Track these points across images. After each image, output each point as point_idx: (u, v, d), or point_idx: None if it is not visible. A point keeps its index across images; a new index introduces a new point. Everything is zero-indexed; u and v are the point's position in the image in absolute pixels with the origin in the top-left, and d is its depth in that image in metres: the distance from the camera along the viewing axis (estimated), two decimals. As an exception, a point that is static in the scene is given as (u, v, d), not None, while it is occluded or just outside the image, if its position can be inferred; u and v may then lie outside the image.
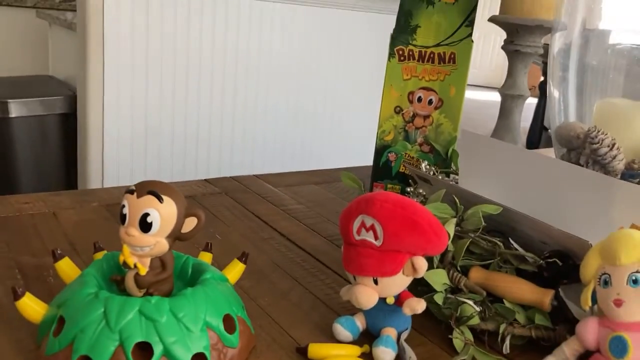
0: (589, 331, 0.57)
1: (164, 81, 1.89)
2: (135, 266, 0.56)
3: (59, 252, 0.63)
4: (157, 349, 0.52)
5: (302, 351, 0.61)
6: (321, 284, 0.77)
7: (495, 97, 2.18)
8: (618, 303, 0.54)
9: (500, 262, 0.68)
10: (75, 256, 0.77)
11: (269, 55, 2.04)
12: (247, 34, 1.98)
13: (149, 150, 1.91)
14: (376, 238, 0.58)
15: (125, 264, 0.57)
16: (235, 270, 0.66)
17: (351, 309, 0.66)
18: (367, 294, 0.59)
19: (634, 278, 0.53)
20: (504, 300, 0.65)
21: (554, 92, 1.18)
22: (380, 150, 1.02)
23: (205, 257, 0.70)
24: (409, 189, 0.91)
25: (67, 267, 0.63)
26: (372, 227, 0.58)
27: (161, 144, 1.93)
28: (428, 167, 0.98)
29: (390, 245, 0.58)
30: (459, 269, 0.68)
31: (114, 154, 1.86)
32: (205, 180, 1.14)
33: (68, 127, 2.08)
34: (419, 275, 0.60)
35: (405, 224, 0.57)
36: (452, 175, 0.96)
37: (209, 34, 1.92)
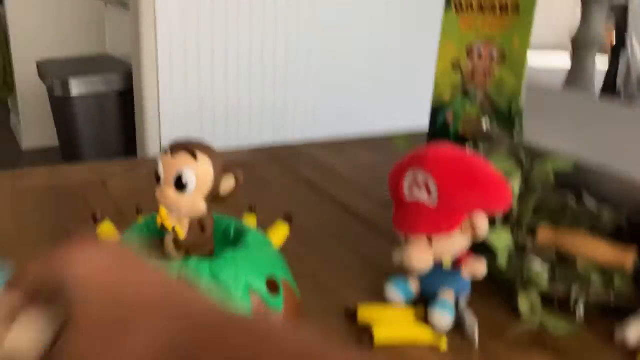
0: (679, 294, 0.50)
1: (216, 55, 1.88)
2: (173, 229, 0.54)
3: (99, 215, 0.61)
4: (197, 313, 0.50)
5: (352, 314, 0.57)
6: (373, 247, 0.72)
7: (558, 62, 2.03)
8: None
9: (572, 222, 0.61)
10: (123, 223, 0.76)
11: (319, 21, 1.99)
12: (297, 2, 1.94)
13: (204, 122, 1.91)
14: (429, 194, 0.53)
15: (163, 226, 0.54)
16: (279, 232, 0.63)
17: (407, 273, 0.61)
18: (420, 254, 0.54)
19: None
20: (578, 262, 0.58)
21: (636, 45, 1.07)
22: (437, 110, 0.96)
23: (250, 220, 0.67)
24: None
25: (108, 231, 0.61)
26: (426, 184, 0.53)
27: (215, 116, 1.93)
28: (490, 126, 0.91)
29: (446, 203, 0.52)
30: (525, 229, 0.62)
31: (170, 127, 1.87)
32: (256, 148, 1.11)
33: (127, 104, 2.11)
34: (480, 236, 0.54)
35: (463, 178, 0.52)
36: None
37: (260, 4, 1.89)
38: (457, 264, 0.56)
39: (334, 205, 0.85)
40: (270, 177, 0.95)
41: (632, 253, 0.55)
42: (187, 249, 0.54)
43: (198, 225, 0.54)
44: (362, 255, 0.71)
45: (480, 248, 0.61)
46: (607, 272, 0.58)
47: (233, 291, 0.51)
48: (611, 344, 0.54)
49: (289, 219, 0.63)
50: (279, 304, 0.54)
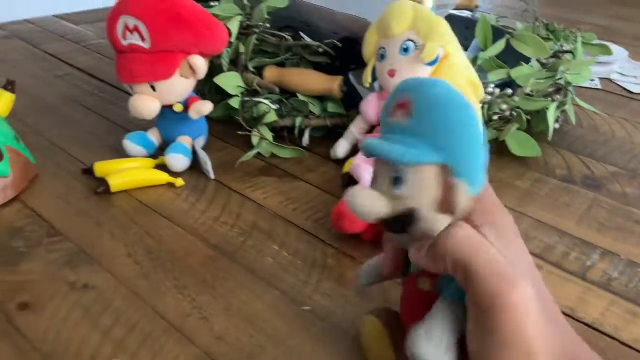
0: (371, 106, 0.58)
1: None
2: None
3: None
4: None
5: (89, 172, 0.58)
6: (120, 110, 0.72)
7: None
8: (392, 73, 0.55)
9: (294, 58, 0.67)
10: None
11: None
12: None
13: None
14: (143, 39, 0.53)
15: None
16: (2, 101, 0.59)
17: (148, 127, 0.62)
18: (145, 102, 0.56)
19: (404, 47, 0.54)
20: (298, 95, 0.64)
21: None
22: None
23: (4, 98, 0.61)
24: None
25: None
26: (136, 28, 0.53)
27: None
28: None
29: (160, 46, 0.54)
30: (252, 70, 0.66)
31: None
32: (-6, 27, 1.00)
33: None
34: (200, 76, 0.57)
35: (170, 18, 0.53)
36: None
37: None
38: (186, 107, 0.59)
39: (81, 75, 0.82)
40: (7, 55, 0.87)
41: (339, 80, 0.62)
42: None
43: None
44: (105, 120, 0.70)
45: (217, 91, 0.65)
46: (323, 100, 0.65)
47: (-58, 160, 0.48)
48: (328, 160, 0.63)
49: (10, 85, 0.59)
50: (4, 170, 0.53)
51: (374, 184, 0.32)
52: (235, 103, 0.63)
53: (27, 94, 0.75)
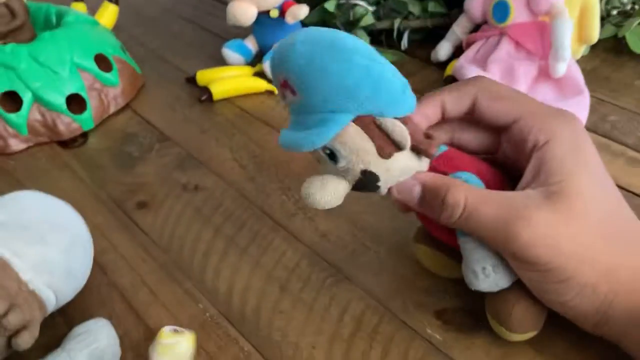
0: (475, 4, 0.54)
1: None
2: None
3: None
4: (26, 96, 0.50)
5: (192, 80, 0.59)
6: (216, 20, 0.72)
7: None
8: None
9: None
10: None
11: None
12: None
13: None
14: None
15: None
16: (107, 13, 0.61)
17: (245, 35, 0.62)
18: (242, 8, 0.55)
19: None
20: (397, -5, 0.61)
21: None
22: None
23: (79, 7, 0.64)
24: None
25: None
26: None
27: None
28: None
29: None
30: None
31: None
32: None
33: None
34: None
35: None
36: None
37: None
38: (282, 13, 0.58)
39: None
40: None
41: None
42: (3, 37, 0.53)
43: (7, 10, 0.52)
44: (203, 30, 0.71)
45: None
46: (423, 1, 0.62)
47: (59, 71, 0.51)
48: (429, 63, 0.60)
49: (115, -1, 0.61)
50: (114, 79, 0.55)
51: (321, 166, 0.32)
52: (330, 6, 0.62)
53: (129, 6, 0.77)
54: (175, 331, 0.32)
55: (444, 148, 0.32)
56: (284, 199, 0.44)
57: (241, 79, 0.57)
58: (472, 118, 0.33)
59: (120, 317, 0.36)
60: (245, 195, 0.45)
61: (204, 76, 0.58)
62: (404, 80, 0.29)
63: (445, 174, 0.31)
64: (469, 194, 0.28)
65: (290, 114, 0.30)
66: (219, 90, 0.56)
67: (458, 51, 0.58)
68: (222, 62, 0.61)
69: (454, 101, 0.32)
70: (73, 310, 0.37)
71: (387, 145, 0.28)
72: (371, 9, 0.61)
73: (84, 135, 0.53)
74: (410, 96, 0.29)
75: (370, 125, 0.28)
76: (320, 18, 0.65)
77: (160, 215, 0.44)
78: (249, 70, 0.59)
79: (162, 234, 0.42)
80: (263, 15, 0.58)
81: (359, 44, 0.28)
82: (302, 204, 0.44)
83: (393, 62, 0.59)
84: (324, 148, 0.29)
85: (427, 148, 0.29)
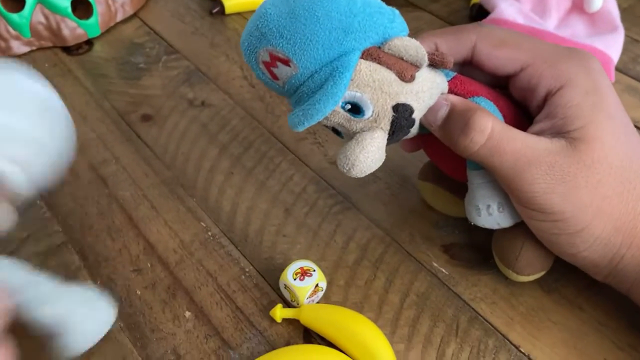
0: None
1: None
2: None
3: None
4: (29, -4, 0.48)
5: (204, -8, 0.56)
6: None
7: None
8: None
9: None
10: None
11: None
12: None
13: None
14: None
15: None
16: None
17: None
18: None
19: None
20: None
21: None
22: None
23: None
24: None
25: None
26: None
27: None
28: None
29: None
30: None
31: None
32: None
33: None
34: None
35: None
36: None
37: None
38: None
39: None
40: None
41: None
42: None
43: None
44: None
45: None
46: None
47: (63, -30, 0.48)
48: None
49: None
50: (122, -16, 0.52)
51: (344, 137, 0.28)
52: None
53: None
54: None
55: (452, 73, 0.30)
56: (294, 122, 0.43)
57: (255, -7, 0.54)
58: (469, 67, 0.30)
59: (120, 229, 0.36)
60: (254, 115, 0.43)
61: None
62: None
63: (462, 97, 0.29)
64: (495, 124, 0.26)
65: (291, 98, 0.27)
66: (232, 4, 0.53)
67: (487, -22, 0.54)
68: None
69: (449, 47, 0.30)
70: (72, 220, 0.36)
71: (406, 67, 0.26)
72: None
73: (89, 42, 0.51)
74: (399, 14, 0.27)
75: (380, 54, 0.26)
76: None
77: (165, 130, 0.42)
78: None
79: (166, 149, 0.41)
80: None
81: None
82: (312, 128, 0.42)
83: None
84: (345, 103, 0.26)
85: (443, 58, 0.27)
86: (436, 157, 0.32)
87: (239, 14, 0.54)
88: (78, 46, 0.50)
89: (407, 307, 0.31)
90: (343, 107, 0.26)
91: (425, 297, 0.32)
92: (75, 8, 0.50)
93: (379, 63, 0.26)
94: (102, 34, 0.51)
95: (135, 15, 0.54)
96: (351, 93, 0.26)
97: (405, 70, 0.26)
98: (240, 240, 0.35)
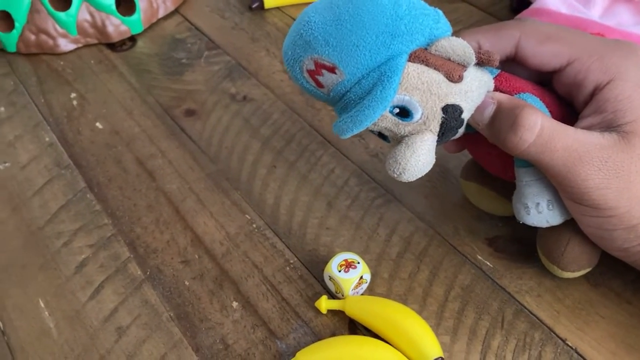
0: None
1: None
2: None
3: None
4: (75, -6, 0.49)
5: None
6: None
7: None
8: None
9: None
10: None
11: None
12: None
13: None
14: None
15: None
16: None
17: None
18: None
19: None
20: None
21: None
22: None
23: None
24: None
25: None
26: None
27: None
28: None
29: None
30: None
31: None
32: None
33: None
34: None
35: None
36: None
37: None
38: None
39: None
40: None
41: None
42: None
43: None
44: None
45: None
46: None
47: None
48: (494, -20, 0.56)
49: None
50: (163, -19, 0.53)
51: (391, 142, 0.28)
52: None
53: None
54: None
55: (496, 70, 0.29)
56: (334, 115, 0.43)
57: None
58: (512, 64, 0.30)
59: (167, 222, 0.36)
60: (294, 109, 0.44)
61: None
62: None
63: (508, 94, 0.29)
64: (544, 120, 0.26)
65: (337, 105, 0.27)
66: (271, -1, 0.53)
67: (528, -33, 0.54)
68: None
69: (492, 44, 0.29)
70: (121, 212, 0.37)
71: (454, 67, 0.26)
72: None
73: (132, 39, 0.52)
74: (443, 15, 0.27)
75: (427, 56, 0.26)
76: None
77: (209, 124, 0.43)
78: (302, -22, 0.57)
79: (210, 143, 0.42)
80: None
81: None
82: (352, 122, 0.42)
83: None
84: (393, 107, 0.26)
85: (489, 56, 0.26)
86: (482, 156, 0.32)
87: (277, 8, 0.54)
88: (122, 43, 0.51)
89: (451, 300, 0.31)
90: (391, 112, 0.26)
91: (469, 290, 0.32)
92: (119, 5, 0.51)
93: (427, 65, 0.26)
94: (145, 31, 0.52)
95: (176, 11, 0.55)
96: (400, 97, 0.26)
97: (453, 71, 0.26)
98: (284, 233, 0.35)
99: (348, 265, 0.31)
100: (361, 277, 0.31)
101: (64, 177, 0.40)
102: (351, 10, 0.25)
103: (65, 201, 0.38)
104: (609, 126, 0.26)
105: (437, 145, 0.27)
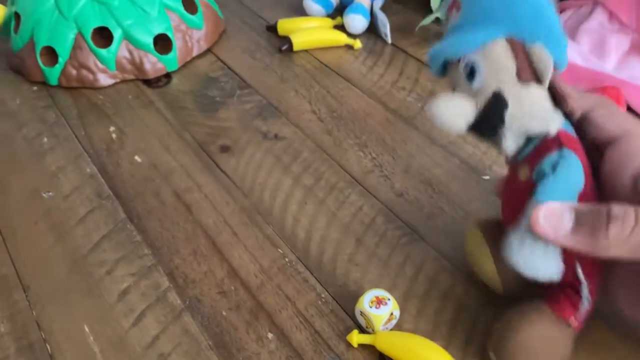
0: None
1: None
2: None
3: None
4: (117, 33, 0.52)
5: (272, 29, 0.60)
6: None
7: None
8: None
9: None
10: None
11: None
12: None
13: None
14: None
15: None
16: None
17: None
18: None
19: None
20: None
21: None
22: None
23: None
24: None
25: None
26: None
27: None
28: None
29: None
30: None
31: None
32: None
33: None
34: None
35: None
36: None
37: None
38: (369, -34, 0.57)
39: None
40: None
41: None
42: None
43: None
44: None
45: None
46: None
47: (149, 10, 0.52)
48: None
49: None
50: (199, 22, 0.56)
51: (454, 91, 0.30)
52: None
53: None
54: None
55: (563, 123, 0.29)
56: (361, 155, 0.45)
57: (322, 31, 0.58)
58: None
59: (205, 254, 0.38)
60: (323, 148, 0.46)
61: (285, 25, 0.58)
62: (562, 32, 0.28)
63: None
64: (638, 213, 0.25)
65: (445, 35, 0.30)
66: (300, 41, 0.56)
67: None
68: (300, 11, 0.61)
69: (573, 94, 0.29)
70: (160, 243, 0.39)
71: (528, 70, 0.28)
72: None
73: (168, 75, 0.55)
74: (564, 43, 0.28)
75: (518, 47, 0.28)
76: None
77: (242, 161, 0.45)
78: (329, 22, 0.59)
79: (244, 179, 0.44)
80: (349, -34, 0.57)
81: None
82: (378, 162, 0.45)
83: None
84: (467, 61, 0.28)
85: (567, 97, 0.28)
86: (504, 193, 0.33)
87: (305, 51, 0.57)
88: (157, 79, 0.54)
89: (476, 339, 0.33)
90: (464, 63, 0.28)
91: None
92: (156, 44, 0.54)
93: (512, 52, 0.28)
94: (179, 68, 0.55)
95: (209, 50, 0.58)
96: (475, 56, 0.28)
97: (523, 71, 0.28)
98: (316, 267, 0.37)
99: (379, 302, 0.33)
100: (391, 314, 0.33)
101: (104, 207, 0.42)
102: None
103: (107, 231, 0.40)
104: None
105: (467, 130, 0.29)
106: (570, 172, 0.27)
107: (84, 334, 0.34)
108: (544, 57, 0.27)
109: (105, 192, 0.43)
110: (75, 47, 0.52)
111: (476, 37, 0.28)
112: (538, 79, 0.28)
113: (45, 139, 0.48)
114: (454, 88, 0.30)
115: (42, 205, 0.43)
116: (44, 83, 0.54)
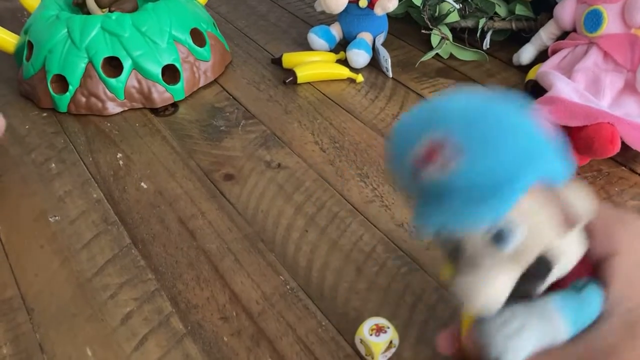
0: (566, 11, 0.54)
1: None
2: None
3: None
4: (127, 63, 0.53)
5: (277, 62, 0.61)
6: (301, 4, 0.74)
7: None
8: (598, -26, 0.50)
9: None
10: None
11: None
12: None
13: None
14: None
15: (82, -16, 0.55)
16: (202, -11, 0.64)
17: (330, 22, 0.64)
18: (335, -5, 0.57)
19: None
20: (484, -5, 0.62)
21: None
22: None
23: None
24: None
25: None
26: None
27: None
28: None
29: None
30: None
31: None
32: None
33: None
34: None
35: None
36: None
37: None
38: (371, 4, 0.59)
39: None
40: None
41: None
42: (108, 5, 0.56)
43: (115, -19, 0.55)
44: (288, 13, 0.73)
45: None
46: (509, 1, 0.62)
47: (158, 42, 0.54)
48: (510, 66, 0.60)
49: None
50: (206, 54, 0.58)
51: (466, 262, 0.24)
52: (418, 0, 0.63)
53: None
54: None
55: None
56: (362, 186, 0.46)
57: (326, 65, 0.59)
58: None
59: (207, 279, 0.39)
60: (325, 178, 0.47)
61: (290, 59, 0.60)
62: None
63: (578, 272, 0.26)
64: None
65: (421, 198, 0.25)
66: (304, 74, 0.58)
67: (540, 56, 0.58)
68: (304, 46, 0.63)
69: None
70: (164, 268, 0.40)
71: (565, 220, 0.24)
72: (458, 6, 0.62)
73: (174, 104, 0.56)
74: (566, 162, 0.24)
75: (548, 195, 0.23)
76: (404, 11, 0.67)
77: (246, 189, 0.46)
78: (332, 56, 0.61)
79: (247, 207, 0.45)
80: (351, 4, 0.59)
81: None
82: (379, 192, 0.46)
83: (474, 62, 0.59)
84: (490, 227, 0.23)
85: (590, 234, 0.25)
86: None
87: (309, 83, 0.58)
88: (165, 108, 0.56)
89: (473, 367, 0.34)
90: (488, 230, 0.23)
91: (490, 358, 0.34)
92: (164, 74, 0.55)
93: (549, 201, 0.23)
94: (186, 98, 0.57)
95: (215, 81, 0.59)
96: (506, 220, 0.23)
97: (563, 223, 0.24)
98: (316, 295, 0.38)
99: (379, 330, 0.33)
100: (391, 342, 0.33)
101: (110, 232, 0.43)
102: (499, 111, 0.24)
103: (112, 255, 0.41)
104: (614, 310, 0.25)
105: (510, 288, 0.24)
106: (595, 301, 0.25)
107: (87, 358, 0.35)
108: (579, 198, 0.23)
109: (111, 217, 0.44)
110: (86, 75, 0.53)
111: (503, 199, 0.22)
112: (575, 224, 0.24)
113: (54, 164, 0.49)
114: (450, 255, 0.25)
115: (49, 229, 0.43)
116: (53, 109, 0.55)
